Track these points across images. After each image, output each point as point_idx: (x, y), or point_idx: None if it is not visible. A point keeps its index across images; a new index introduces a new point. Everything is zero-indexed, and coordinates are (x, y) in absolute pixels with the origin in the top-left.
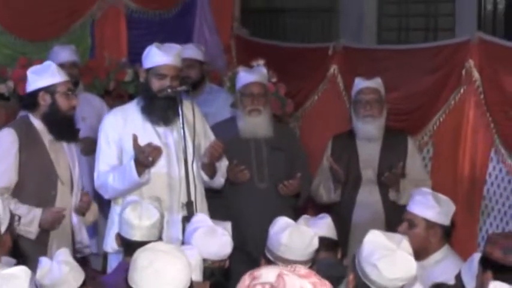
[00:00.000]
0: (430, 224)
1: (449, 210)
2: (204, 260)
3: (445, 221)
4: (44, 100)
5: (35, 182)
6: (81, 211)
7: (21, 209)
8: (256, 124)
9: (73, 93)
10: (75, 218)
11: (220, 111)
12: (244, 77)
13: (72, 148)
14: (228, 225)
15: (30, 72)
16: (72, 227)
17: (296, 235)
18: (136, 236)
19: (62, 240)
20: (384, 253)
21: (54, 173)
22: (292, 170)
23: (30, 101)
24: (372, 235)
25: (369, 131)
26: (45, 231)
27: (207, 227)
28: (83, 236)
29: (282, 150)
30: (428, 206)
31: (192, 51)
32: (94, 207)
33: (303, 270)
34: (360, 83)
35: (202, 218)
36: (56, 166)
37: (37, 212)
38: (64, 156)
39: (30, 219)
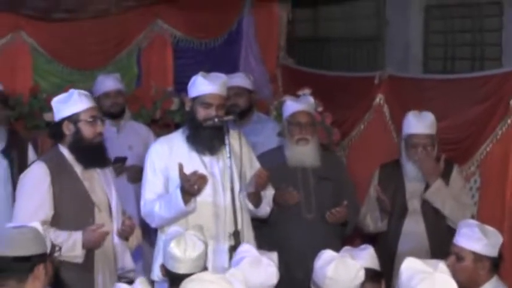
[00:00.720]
0: (478, 257)
1: (497, 242)
2: None
3: (493, 252)
4: (68, 129)
5: (71, 212)
6: (124, 235)
7: (61, 236)
8: (303, 153)
9: (98, 119)
10: (118, 243)
11: (268, 141)
12: (292, 106)
13: (107, 173)
14: (274, 255)
15: (54, 102)
16: (115, 253)
17: (342, 268)
18: (181, 269)
19: (107, 265)
20: (422, 276)
21: (90, 201)
22: (340, 199)
23: (56, 130)
24: (408, 262)
25: (420, 175)
26: (90, 257)
27: (253, 257)
28: (127, 261)
29: (329, 179)
30: (476, 239)
31: (240, 80)
32: (138, 231)
33: None
34: (411, 127)
35: (248, 248)
36: (91, 193)
37: (77, 235)
38: (99, 183)
39: (72, 243)
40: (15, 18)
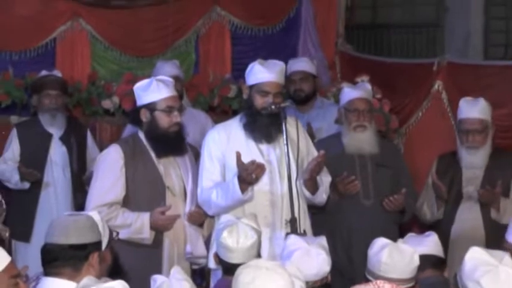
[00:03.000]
0: None
1: None
2: (306, 283)
3: None
4: (145, 117)
5: (143, 194)
6: (192, 220)
7: (130, 217)
8: (361, 140)
9: (175, 109)
10: (190, 228)
11: (332, 126)
12: (349, 92)
13: (185, 158)
14: (323, 240)
15: (135, 88)
16: (185, 236)
17: (396, 253)
18: (234, 259)
19: (176, 247)
20: (487, 269)
21: (162, 185)
22: (397, 187)
23: (134, 117)
24: (473, 252)
25: (473, 161)
26: (159, 237)
27: (302, 250)
28: (199, 247)
29: (387, 167)
30: None
31: (305, 64)
32: (210, 220)
33: (386, 285)
34: (462, 112)
35: (294, 241)
36: (166, 177)
37: (145, 217)
38: (175, 168)
39: (140, 225)
40: (74, 5)
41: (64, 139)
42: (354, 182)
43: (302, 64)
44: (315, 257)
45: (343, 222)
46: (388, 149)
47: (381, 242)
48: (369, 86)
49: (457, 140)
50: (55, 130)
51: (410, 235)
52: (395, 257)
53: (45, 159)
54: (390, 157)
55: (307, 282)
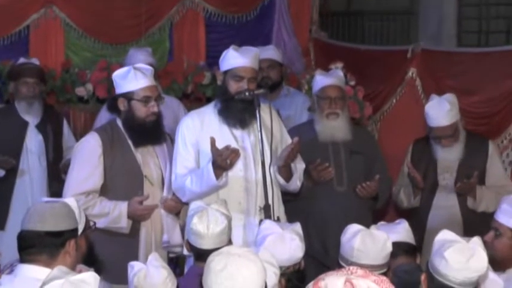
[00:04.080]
0: None
1: None
2: (280, 268)
3: None
4: (123, 106)
5: (121, 183)
6: (167, 208)
7: (107, 206)
8: (334, 127)
9: (152, 99)
10: (166, 217)
11: (299, 115)
12: (321, 80)
13: (163, 148)
14: (298, 226)
15: (114, 76)
16: (162, 225)
17: (369, 239)
18: (205, 244)
19: (153, 236)
20: (452, 244)
21: (140, 174)
22: (371, 173)
23: (112, 104)
24: (443, 233)
25: (449, 157)
26: (136, 226)
27: (276, 235)
28: (175, 235)
29: (360, 153)
30: None
31: (272, 52)
32: (186, 209)
33: (359, 271)
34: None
35: (269, 225)
36: (144, 167)
37: (123, 206)
38: (153, 157)
39: (117, 215)
40: None
41: (40, 127)
42: (327, 168)
43: (269, 52)
44: (288, 242)
45: (316, 209)
46: (362, 136)
47: (353, 228)
48: (341, 73)
49: (431, 140)
50: (31, 118)
51: (381, 223)
52: (368, 243)
53: (21, 147)
54: (364, 144)
55: (280, 268)
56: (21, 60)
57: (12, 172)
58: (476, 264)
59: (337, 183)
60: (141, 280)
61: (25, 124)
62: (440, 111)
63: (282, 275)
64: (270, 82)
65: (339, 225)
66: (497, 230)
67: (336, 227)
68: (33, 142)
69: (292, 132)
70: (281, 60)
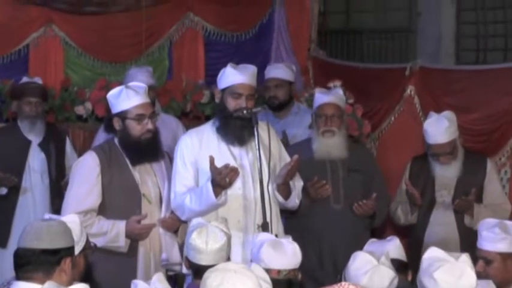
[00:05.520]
0: (506, 256)
1: None
2: (279, 272)
3: None
4: (118, 125)
5: (119, 202)
6: (165, 226)
7: (105, 226)
8: (329, 145)
9: (146, 116)
10: (166, 235)
11: (307, 132)
12: (319, 98)
13: (162, 166)
14: (289, 238)
15: (108, 97)
16: (161, 244)
17: (376, 277)
18: (203, 260)
19: (152, 254)
20: (441, 264)
21: (138, 192)
22: (370, 191)
23: (108, 125)
24: (430, 251)
25: (447, 175)
26: (134, 245)
27: (272, 240)
28: (174, 253)
29: (358, 171)
30: (499, 239)
31: (281, 71)
32: (185, 227)
33: (351, 286)
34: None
35: (264, 236)
36: (141, 185)
37: (121, 225)
38: (151, 175)
39: (115, 234)
40: (47, 12)
41: (43, 146)
42: (324, 186)
43: (278, 71)
44: (285, 245)
45: (313, 226)
46: (360, 154)
47: (363, 260)
48: (340, 92)
49: (429, 157)
50: (34, 137)
51: (372, 241)
52: (375, 281)
53: (23, 165)
54: (362, 162)
55: (280, 272)
56: (24, 79)
57: (15, 190)
58: (465, 283)
59: (334, 201)
60: None
61: (28, 143)
62: (439, 128)
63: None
64: (277, 102)
65: (335, 242)
66: (486, 258)
67: (332, 244)
68: (36, 160)
69: (291, 149)
70: (291, 78)
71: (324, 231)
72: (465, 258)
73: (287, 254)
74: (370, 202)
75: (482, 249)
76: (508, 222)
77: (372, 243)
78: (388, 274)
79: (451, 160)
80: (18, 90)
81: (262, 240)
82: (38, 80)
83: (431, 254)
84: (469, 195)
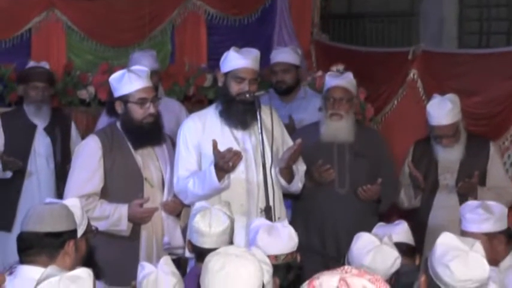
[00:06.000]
0: (491, 236)
1: (503, 214)
2: (277, 257)
3: (503, 225)
4: (120, 109)
5: (121, 185)
6: (168, 209)
7: (108, 209)
8: (336, 128)
9: (148, 100)
10: (168, 218)
11: (314, 117)
12: (329, 81)
13: (164, 150)
14: (285, 221)
15: (110, 80)
16: (163, 227)
17: (379, 257)
18: (206, 243)
19: (154, 238)
20: (457, 254)
21: (140, 176)
22: (376, 176)
23: (110, 108)
24: (444, 237)
25: (449, 157)
26: (136, 228)
27: (266, 226)
28: (176, 237)
29: (365, 156)
30: (483, 220)
31: (287, 55)
32: (187, 210)
33: (354, 270)
34: (433, 118)
35: (258, 222)
36: (144, 169)
37: (123, 209)
38: (153, 159)
39: (117, 218)
40: None
41: (48, 130)
42: (329, 170)
43: (284, 55)
44: (281, 230)
45: (316, 210)
46: (369, 138)
47: (364, 241)
48: (350, 76)
49: (432, 139)
50: (40, 121)
51: (379, 224)
52: (378, 262)
53: (29, 149)
54: (371, 146)
55: (277, 257)
56: (31, 63)
57: (20, 174)
58: (480, 275)
59: (339, 185)
60: (150, 284)
61: (33, 127)
62: (442, 110)
63: (281, 264)
64: (284, 86)
65: (338, 225)
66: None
67: (335, 228)
68: (41, 145)
69: (299, 132)
70: (297, 62)
71: (327, 215)
72: (478, 246)
73: (282, 239)
74: (375, 187)
75: (468, 231)
76: (490, 202)
77: (380, 227)
78: (391, 254)
79: (453, 143)
80: (25, 75)
81: (256, 227)
82: (45, 65)
83: (445, 241)
84: (472, 178)
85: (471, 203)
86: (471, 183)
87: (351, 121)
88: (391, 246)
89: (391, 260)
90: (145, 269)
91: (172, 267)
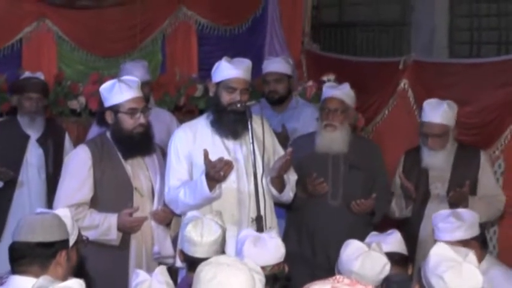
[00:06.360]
0: (465, 243)
1: (475, 220)
2: (263, 269)
3: (476, 231)
4: (110, 119)
5: (110, 195)
6: (157, 219)
7: (97, 219)
8: (330, 139)
9: (138, 110)
10: (158, 228)
11: (307, 126)
12: (325, 92)
13: (154, 159)
14: (274, 231)
15: (101, 90)
16: (153, 236)
17: (368, 263)
18: (198, 252)
19: (143, 247)
20: (450, 265)
21: (129, 186)
22: (370, 189)
23: (100, 118)
24: (438, 247)
25: (433, 162)
26: (126, 237)
27: (253, 237)
28: (167, 246)
29: (360, 168)
30: (455, 228)
31: (280, 65)
32: (177, 220)
33: (345, 280)
34: (426, 115)
35: (246, 233)
36: (133, 179)
37: (113, 218)
38: (143, 169)
39: (107, 227)
40: (40, 6)
41: (41, 141)
42: (322, 183)
43: (276, 65)
44: (267, 241)
45: (309, 221)
46: (365, 150)
47: (353, 247)
48: (347, 87)
49: (420, 140)
50: (33, 132)
51: (372, 234)
52: (367, 267)
53: (21, 160)
54: (366, 158)
55: (264, 268)
56: (26, 74)
57: (11, 184)
58: (474, 286)
59: (332, 197)
60: None
61: (26, 138)
62: (436, 108)
63: (268, 276)
64: (277, 96)
65: (329, 238)
66: None
67: (325, 240)
68: (34, 155)
69: (294, 142)
70: (289, 72)
71: (320, 227)
72: (472, 257)
73: (269, 250)
74: (369, 202)
75: (442, 241)
76: (461, 210)
77: (372, 237)
78: (380, 259)
79: (438, 146)
80: (20, 85)
81: (243, 237)
82: (40, 76)
83: (438, 251)
84: (463, 187)
85: (442, 212)
86: (462, 192)
87: (345, 132)
88: (380, 252)
89: (380, 265)
90: (139, 276)
91: (167, 278)
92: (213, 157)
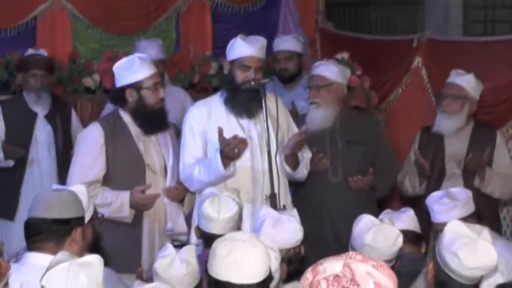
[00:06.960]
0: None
1: (468, 198)
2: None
3: (471, 208)
4: (132, 96)
5: (123, 172)
6: (170, 196)
7: (110, 196)
8: (314, 116)
9: (160, 85)
10: (170, 205)
11: None
12: (312, 69)
13: (166, 136)
14: (294, 211)
15: (116, 68)
16: (165, 213)
17: (380, 235)
18: (214, 229)
19: (156, 224)
20: (465, 241)
21: (142, 163)
22: (372, 164)
23: (118, 96)
24: (453, 224)
25: (444, 126)
26: (139, 214)
27: (273, 218)
28: (180, 223)
29: (359, 143)
30: (450, 208)
31: (290, 43)
32: (191, 197)
33: (358, 256)
34: (450, 77)
35: (266, 211)
36: (146, 156)
37: (125, 196)
38: (156, 146)
39: (120, 204)
40: None
41: (49, 118)
42: (322, 159)
43: (287, 43)
44: (286, 224)
45: (312, 198)
46: (364, 125)
47: (365, 220)
48: (333, 64)
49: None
50: (40, 109)
51: (386, 211)
52: (379, 239)
53: (30, 137)
54: (366, 133)
55: (280, 251)
56: (30, 51)
57: (22, 163)
58: (489, 263)
59: (332, 174)
60: (163, 266)
61: (34, 115)
62: (463, 75)
63: (283, 259)
64: (287, 74)
65: (335, 214)
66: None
67: (332, 216)
68: (42, 133)
69: (300, 121)
70: (300, 50)
71: (323, 203)
72: (486, 234)
73: (287, 233)
74: (366, 178)
75: (439, 223)
76: (453, 189)
77: (386, 214)
78: (392, 232)
79: (451, 108)
80: (24, 63)
81: (263, 217)
82: (43, 52)
83: (453, 228)
84: (481, 155)
85: (435, 194)
86: (481, 158)
87: (331, 108)
88: (391, 225)
89: (393, 237)
90: (166, 250)
91: (192, 258)
92: (227, 135)
